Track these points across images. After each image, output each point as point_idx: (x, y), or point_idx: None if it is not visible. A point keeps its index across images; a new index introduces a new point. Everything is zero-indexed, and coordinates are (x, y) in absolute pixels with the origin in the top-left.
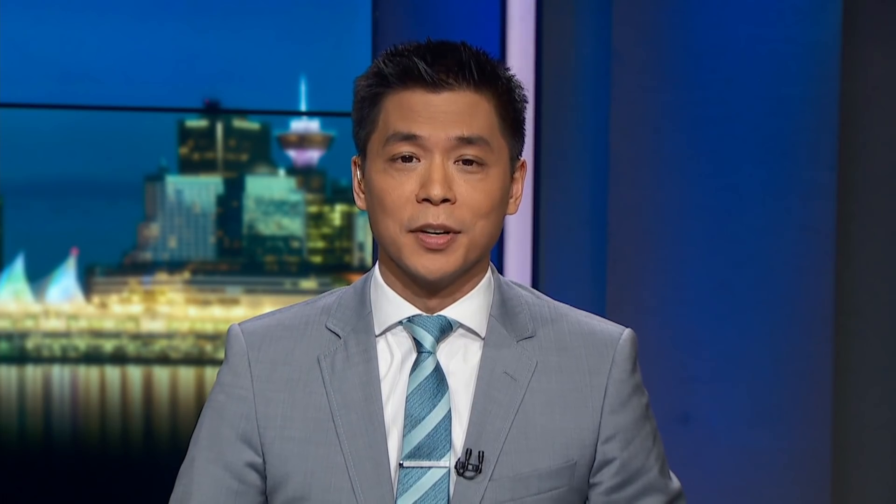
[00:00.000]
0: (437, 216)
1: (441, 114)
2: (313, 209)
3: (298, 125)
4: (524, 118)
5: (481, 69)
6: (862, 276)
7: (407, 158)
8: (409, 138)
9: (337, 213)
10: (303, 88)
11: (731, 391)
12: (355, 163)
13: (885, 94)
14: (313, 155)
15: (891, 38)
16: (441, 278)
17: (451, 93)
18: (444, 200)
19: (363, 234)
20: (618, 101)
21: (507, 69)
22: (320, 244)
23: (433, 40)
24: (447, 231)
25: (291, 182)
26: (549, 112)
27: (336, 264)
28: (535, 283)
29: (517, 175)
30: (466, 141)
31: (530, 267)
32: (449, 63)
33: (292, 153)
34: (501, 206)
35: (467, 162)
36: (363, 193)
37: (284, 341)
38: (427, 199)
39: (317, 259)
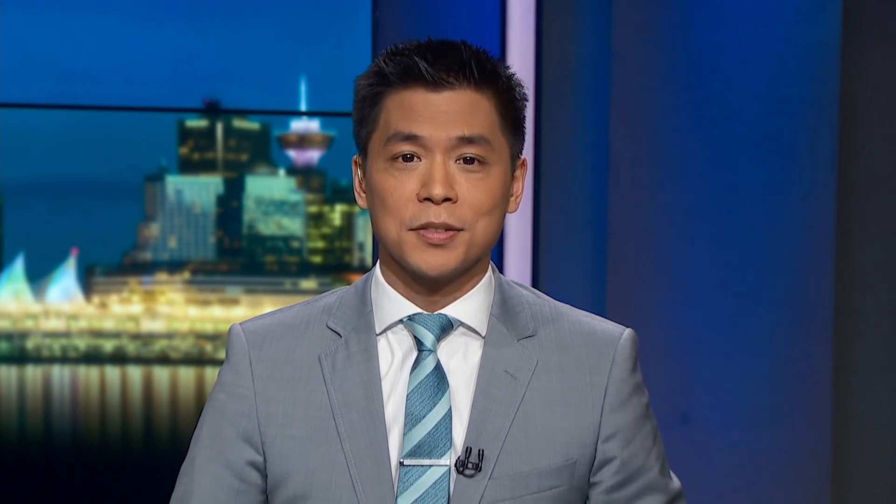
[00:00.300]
0: (438, 215)
1: (442, 113)
2: (313, 209)
3: (298, 125)
4: (524, 116)
5: (481, 68)
6: (862, 276)
7: (408, 158)
8: (410, 138)
9: (337, 213)
10: (303, 88)
11: (731, 391)
12: (356, 162)
13: (885, 94)
14: (313, 155)
15: (891, 38)
16: (442, 274)
17: (452, 92)
18: (446, 199)
19: (363, 234)
20: (618, 101)
21: (507, 67)
22: (320, 244)
23: (433, 39)
24: (449, 228)
25: (291, 182)
26: (549, 112)
27: (336, 264)
28: (535, 283)
29: (518, 173)
30: (467, 140)
31: (530, 267)
32: (449, 62)
33: (292, 153)
34: (502, 204)
35: (468, 161)
36: (364, 193)
37: (285, 340)
38: (428, 199)
39: (317, 259)
